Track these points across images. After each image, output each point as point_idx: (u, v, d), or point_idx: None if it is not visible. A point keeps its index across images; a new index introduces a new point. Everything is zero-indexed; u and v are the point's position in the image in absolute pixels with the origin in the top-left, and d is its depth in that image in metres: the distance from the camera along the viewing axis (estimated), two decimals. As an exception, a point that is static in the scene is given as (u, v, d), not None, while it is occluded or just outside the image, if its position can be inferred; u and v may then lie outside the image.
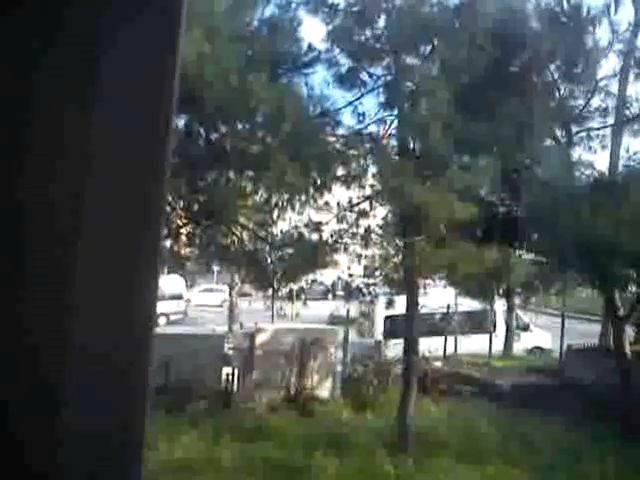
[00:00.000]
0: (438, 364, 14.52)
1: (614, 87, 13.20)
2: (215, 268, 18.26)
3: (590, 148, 12.88)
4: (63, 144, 0.83)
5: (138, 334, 0.86)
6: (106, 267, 0.84)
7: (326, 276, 14.67)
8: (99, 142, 0.83)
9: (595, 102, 12.77)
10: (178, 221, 11.02)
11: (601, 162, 14.11)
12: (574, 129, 12.82)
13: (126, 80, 0.85)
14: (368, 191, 11.00)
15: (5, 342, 0.81)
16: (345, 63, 10.78)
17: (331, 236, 10.85)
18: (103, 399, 0.85)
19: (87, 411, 0.83)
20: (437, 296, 14.90)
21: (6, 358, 0.81)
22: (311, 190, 10.46)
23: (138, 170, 0.86)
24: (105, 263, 0.84)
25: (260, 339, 12.47)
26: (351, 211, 11.03)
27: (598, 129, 12.98)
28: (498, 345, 17.13)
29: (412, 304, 10.88)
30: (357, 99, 10.87)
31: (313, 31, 14.90)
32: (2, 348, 0.81)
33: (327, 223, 11.01)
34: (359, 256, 11.22)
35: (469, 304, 15.17)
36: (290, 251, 10.96)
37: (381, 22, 10.50)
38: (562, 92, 12.58)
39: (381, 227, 11.36)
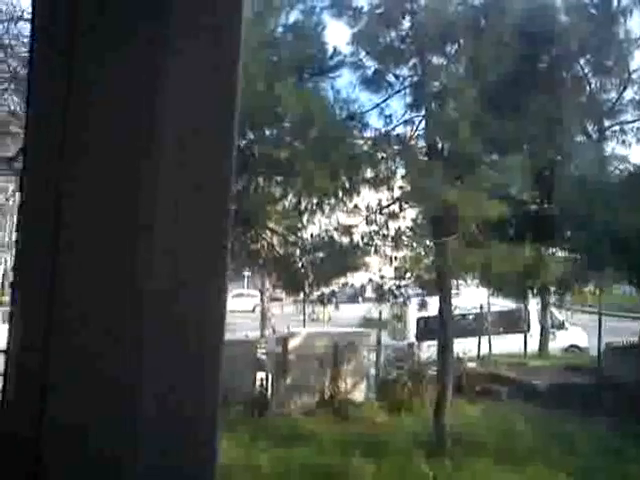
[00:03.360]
0: (472, 365, 14.36)
1: (648, 78, 12.92)
2: (246, 273, 18.36)
3: (624, 142, 12.62)
4: (128, 149, 0.83)
5: (208, 348, 0.85)
6: (174, 280, 0.84)
7: (358, 279, 14.65)
8: (165, 147, 0.83)
9: (628, 94, 12.51)
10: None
11: (636, 156, 13.82)
12: (607, 123, 12.58)
13: (192, 78, 0.84)
14: (397, 193, 10.95)
15: (84, 362, 0.81)
16: (371, 65, 10.77)
17: (361, 239, 10.82)
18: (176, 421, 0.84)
19: (163, 425, 0.83)
20: (470, 296, 14.76)
21: (87, 378, 0.81)
22: (340, 193, 10.46)
23: (203, 176, 0.86)
24: (173, 275, 0.84)
25: (293, 344, 12.50)
26: (381, 213, 10.99)
27: (632, 122, 12.71)
28: (533, 345, 16.86)
29: (445, 305, 10.79)
30: (384, 101, 10.84)
31: (338, 35, 14.92)
32: (83, 366, 0.81)
33: (357, 226, 10.99)
34: (390, 258, 11.17)
35: (502, 304, 14.98)
36: (321, 255, 10.96)
37: (406, 23, 10.47)
38: (593, 86, 12.36)
39: (411, 228, 11.30)
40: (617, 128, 12.75)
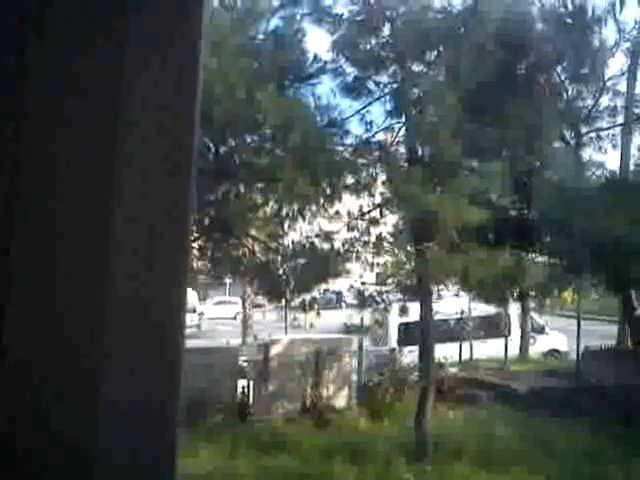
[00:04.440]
0: (454, 370, 14.45)
1: (622, 86, 13.19)
2: (228, 281, 18.35)
3: (600, 148, 12.85)
4: (93, 144, 0.82)
5: (169, 349, 0.85)
6: (133, 280, 0.83)
7: (339, 285, 14.65)
8: (127, 141, 0.82)
9: (604, 102, 12.75)
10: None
11: (612, 162, 14.06)
12: (583, 129, 12.79)
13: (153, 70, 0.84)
14: (378, 199, 10.99)
15: (40, 349, 0.80)
16: (351, 72, 10.82)
17: (343, 245, 10.84)
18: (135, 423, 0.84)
19: (120, 424, 0.82)
20: (451, 302, 14.86)
21: (47, 372, 0.80)
22: (321, 200, 10.47)
23: (163, 173, 0.85)
24: (132, 278, 0.83)
25: (275, 350, 12.46)
26: (362, 219, 11.02)
27: (608, 129, 12.94)
28: (514, 349, 17.01)
29: (426, 310, 10.84)
30: (364, 107, 10.90)
31: (318, 42, 14.98)
32: (43, 363, 0.80)
33: (338, 232, 11.01)
34: (371, 264, 11.20)
35: (483, 309, 15.11)
36: (302, 261, 10.95)
37: (386, 30, 10.53)
38: (570, 93, 12.56)
39: (392, 234, 11.35)
40: (593, 135, 12.97)
